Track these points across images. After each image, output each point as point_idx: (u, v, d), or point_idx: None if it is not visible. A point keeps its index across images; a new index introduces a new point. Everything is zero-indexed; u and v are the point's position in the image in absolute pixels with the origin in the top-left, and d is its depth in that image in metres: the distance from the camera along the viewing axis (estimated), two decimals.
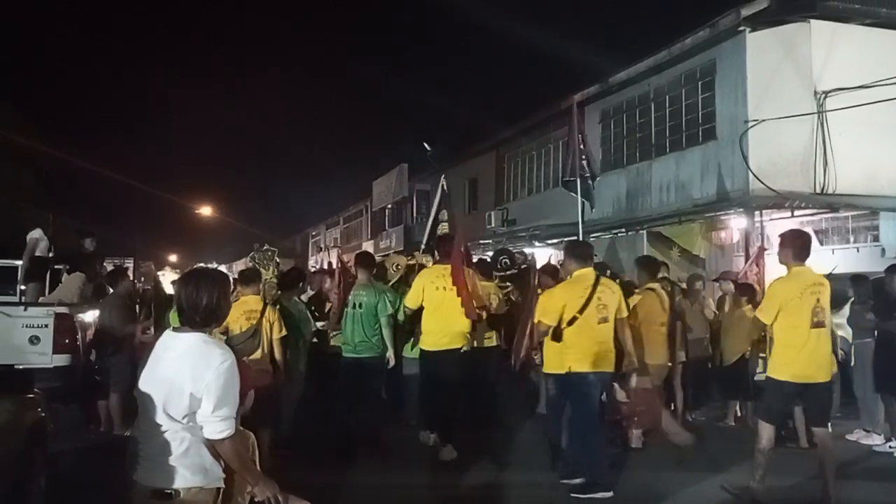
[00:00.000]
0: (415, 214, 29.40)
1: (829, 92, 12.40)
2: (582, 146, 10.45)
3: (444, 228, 8.91)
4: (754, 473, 5.43)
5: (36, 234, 9.40)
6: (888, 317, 7.24)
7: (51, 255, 9.73)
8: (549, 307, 5.91)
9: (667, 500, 5.64)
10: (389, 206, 32.07)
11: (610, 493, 5.53)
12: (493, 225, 20.69)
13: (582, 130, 10.81)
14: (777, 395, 5.49)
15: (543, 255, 15.13)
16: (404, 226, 29.70)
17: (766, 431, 5.42)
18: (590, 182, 10.62)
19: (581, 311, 5.73)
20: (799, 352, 5.27)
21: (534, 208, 19.48)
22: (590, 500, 5.52)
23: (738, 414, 8.59)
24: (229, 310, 2.93)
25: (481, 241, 20.86)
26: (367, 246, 32.32)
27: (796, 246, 5.45)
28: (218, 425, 2.58)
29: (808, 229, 13.00)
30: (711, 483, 5.92)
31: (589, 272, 5.92)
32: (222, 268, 37.93)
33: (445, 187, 9.51)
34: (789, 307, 5.28)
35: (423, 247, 9.51)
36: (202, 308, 2.71)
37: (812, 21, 12.59)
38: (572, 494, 5.59)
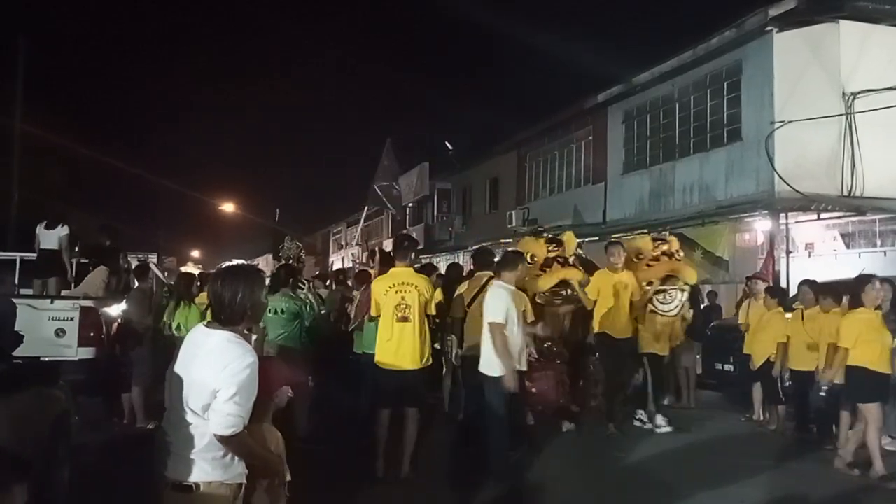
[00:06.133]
0: (435, 213, 29.41)
1: (858, 93, 12.23)
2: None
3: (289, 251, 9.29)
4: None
5: (39, 230, 9.39)
6: None
7: (77, 249, 9.86)
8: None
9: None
10: (410, 204, 32.11)
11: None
12: (513, 224, 20.63)
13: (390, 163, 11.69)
14: (383, 383, 5.92)
15: None
16: (425, 224, 29.72)
17: (382, 417, 5.87)
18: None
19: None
20: (386, 343, 5.83)
21: (555, 208, 19.42)
22: None
23: (762, 417, 8.48)
24: (261, 308, 2.89)
25: (502, 241, 20.83)
26: (388, 245, 32.40)
27: (398, 247, 6.18)
28: (224, 419, 2.56)
29: (834, 232, 12.90)
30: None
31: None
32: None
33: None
34: (382, 302, 5.86)
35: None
36: (226, 305, 2.71)
37: (841, 21, 12.43)
38: None
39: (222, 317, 2.72)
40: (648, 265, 7.97)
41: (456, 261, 12.92)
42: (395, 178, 11.88)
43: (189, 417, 2.62)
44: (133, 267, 9.92)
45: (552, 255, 7.67)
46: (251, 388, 2.62)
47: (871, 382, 6.18)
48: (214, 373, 2.59)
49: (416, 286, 5.88)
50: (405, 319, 5.80)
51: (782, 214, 12.19)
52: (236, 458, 2.68)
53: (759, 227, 12.77)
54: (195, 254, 43.85)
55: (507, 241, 20.53)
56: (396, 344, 5.82)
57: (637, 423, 7.95)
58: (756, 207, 12.48)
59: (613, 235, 16.18)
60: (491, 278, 6.80)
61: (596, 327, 7.71)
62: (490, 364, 5.79)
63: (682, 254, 8.34)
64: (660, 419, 7.91)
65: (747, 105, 13.18)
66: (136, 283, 8.64)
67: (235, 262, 11.34)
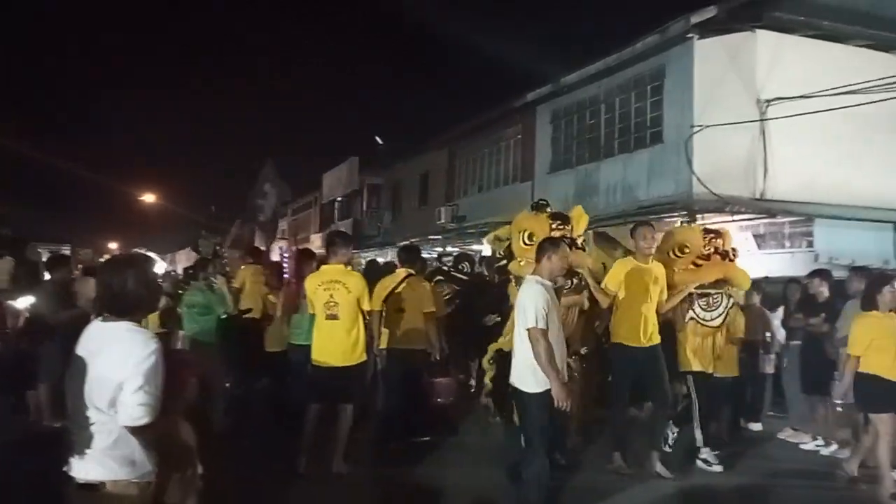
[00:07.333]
0: (364, 208, 29.24)
1: (772, 100, 12.76)
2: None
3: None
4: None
5: None
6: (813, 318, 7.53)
7: None
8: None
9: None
10: (339, 198, 31.81)
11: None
12: (442, 221, 20.73)
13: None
14: (315, 378, 5.94)
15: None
16: (353, 219, 29.50)
17: (311, 412, 5.87)
18: None
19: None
20: (318, 340, 5.90)
21: (484, 205, 19.57)
22: None
23: None
24: (156, 294, 2.85)
25: (431, 237, 20.87)
26: (316, 239, 32.01)
27: (329, 245, 6.17)
28: (135, 410, 2.49)
29: (747, 233, 13.43)
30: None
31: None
32: (165, 258, 37.07)
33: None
34: (313, 299, 5.93)
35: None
36: (117, 295, 2.64)
37: (758, 31, 12.92)
38: None
39: (115, 308, 2.65)
40: (696, 264, 6.46)
41: (375, 258, 12.93)
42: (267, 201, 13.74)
43: (93, 415, 2.53)
44: (45, 259, 9.50)
45: (556, 233, 6.08)
46: (157, 375, 2.55)
47: (884, 391, 5.63)
48: (117, 365, 2.51)
49: (344, 284, 5.87)
50: (333, 317, 5.84)
51: (699, 215, 12.62)
52: (145, 456, 2.61)
53: None
54: (113, 245, 42.15)
55: (436, 237, 20.62)
56: (326, 341, 5.87)
57: (701, 465, 6.43)
58: (675, 208, 12.87)
59: None
60: (410, 275, 6.91)
61: (613, 332, 6.25)
62: (526, 377, 4.69)
63: (737, 252, 6.87)
64: (709, 455, 6.49)
65: (669, 108, 13.58)
66: (48, 276, 8.26)
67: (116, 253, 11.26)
